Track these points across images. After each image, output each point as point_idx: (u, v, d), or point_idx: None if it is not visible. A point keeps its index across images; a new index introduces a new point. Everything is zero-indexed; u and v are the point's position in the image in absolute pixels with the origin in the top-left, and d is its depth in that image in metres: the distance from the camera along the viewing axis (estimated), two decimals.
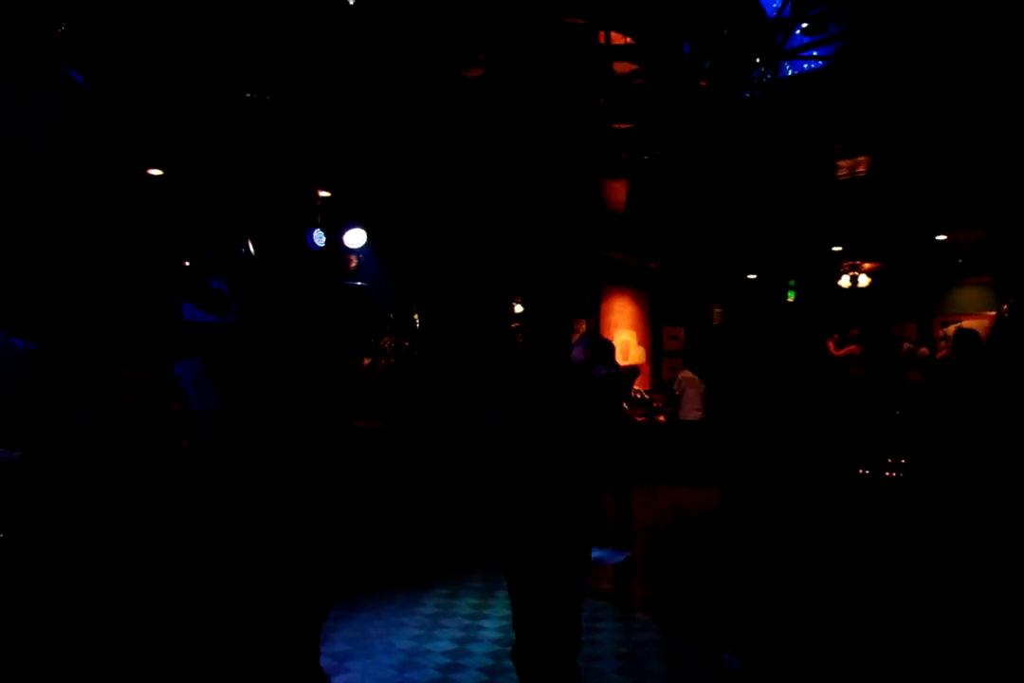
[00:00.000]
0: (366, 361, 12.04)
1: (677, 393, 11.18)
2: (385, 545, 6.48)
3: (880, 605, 5.23)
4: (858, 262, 12.84)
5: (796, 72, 7.00)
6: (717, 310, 13.93)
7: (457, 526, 7.15)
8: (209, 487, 5.99)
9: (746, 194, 9.32)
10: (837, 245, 12.08)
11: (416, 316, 10.71)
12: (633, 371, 8.78)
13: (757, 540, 3.72)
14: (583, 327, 12.24)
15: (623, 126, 8.30)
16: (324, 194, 9.10)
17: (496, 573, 6.05)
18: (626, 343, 12.97)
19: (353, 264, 10.57)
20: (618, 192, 9.61)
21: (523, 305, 11.92)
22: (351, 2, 6.64)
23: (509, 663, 4.22)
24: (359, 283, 7.85)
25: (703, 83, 6.61)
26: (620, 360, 12.86)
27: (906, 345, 10.72)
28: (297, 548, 3.90)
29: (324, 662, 4.02)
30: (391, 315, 10.17)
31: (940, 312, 13.43)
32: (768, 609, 4.11)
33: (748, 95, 6.91)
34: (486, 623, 4.99)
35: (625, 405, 11.76)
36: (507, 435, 3.97)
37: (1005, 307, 11.74)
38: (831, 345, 10.27)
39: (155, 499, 6.04)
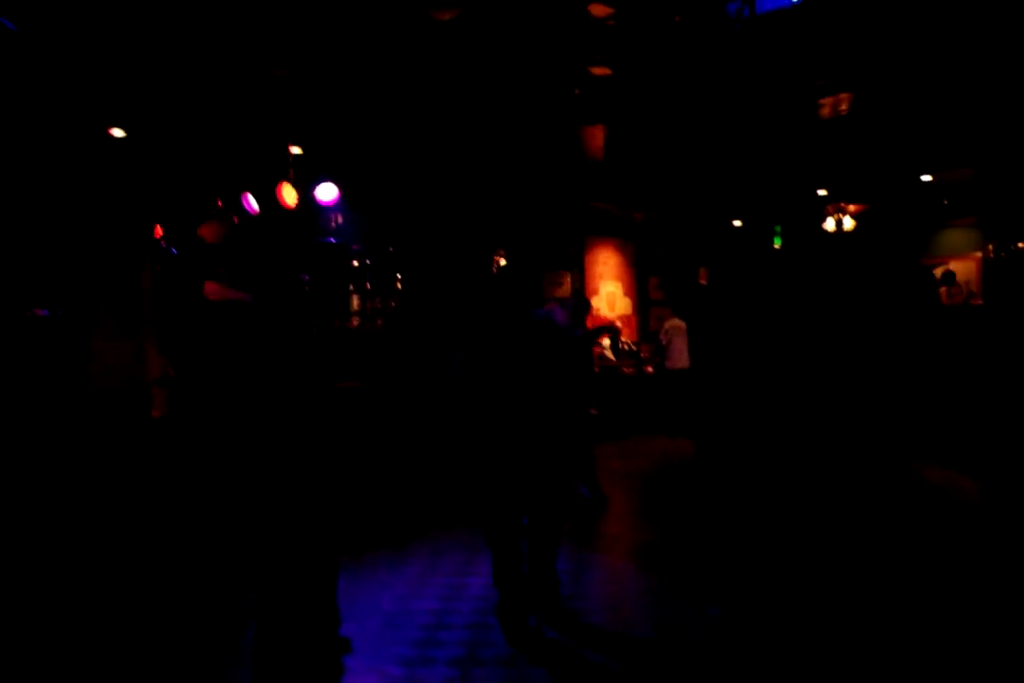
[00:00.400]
0: (354, 321, 11.91)
1: (664, 343, 11.08)
2: (366, 506, 6.43)
3: (860, 562, 5.20)
4: (843, 204, 12.67)
5: (774, 7, 6.76)
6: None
7: (439, 485, 7.11)
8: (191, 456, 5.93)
9: (727, 137, 9.11)
10: (822, 188, 11.90)
11: (398, 274, 10.54)
12: (603, 329, 8.86)
13: (730, 496, 3.67)
14: (567, 280, 12.11)
15: (600, 71, 8.06)
16: (296, 150, 8.88)
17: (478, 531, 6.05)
18: (612, 294, 12.85)
19: (338, 222, 10.38)
20: (596, 138, 9.39)
21: (506, 259, 11.75)
22: None
23: (493, 619, 4.21)
24: (332, 240, 7.68)
25: (677, 18, 6.37)
26: (607, 311, 12.78)
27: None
28: (299, 512, 3.82)
29: None
30: (368, 274, 10.00)
31: (927, 254, 13.32)
32: (744, 561, 4.06)
33: (725, 33, 6.68)
34: (471, 580, 4.95)
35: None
36: (472, 379, 4.05)
37: (991, 247, 11.67)
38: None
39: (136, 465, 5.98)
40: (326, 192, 7.83)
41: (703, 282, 12.40)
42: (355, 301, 12.38)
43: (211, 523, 5.35)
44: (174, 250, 7.17)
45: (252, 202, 7.73)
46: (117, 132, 7.51)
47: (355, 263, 11.83)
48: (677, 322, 10.75)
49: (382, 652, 3.90)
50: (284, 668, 3.52)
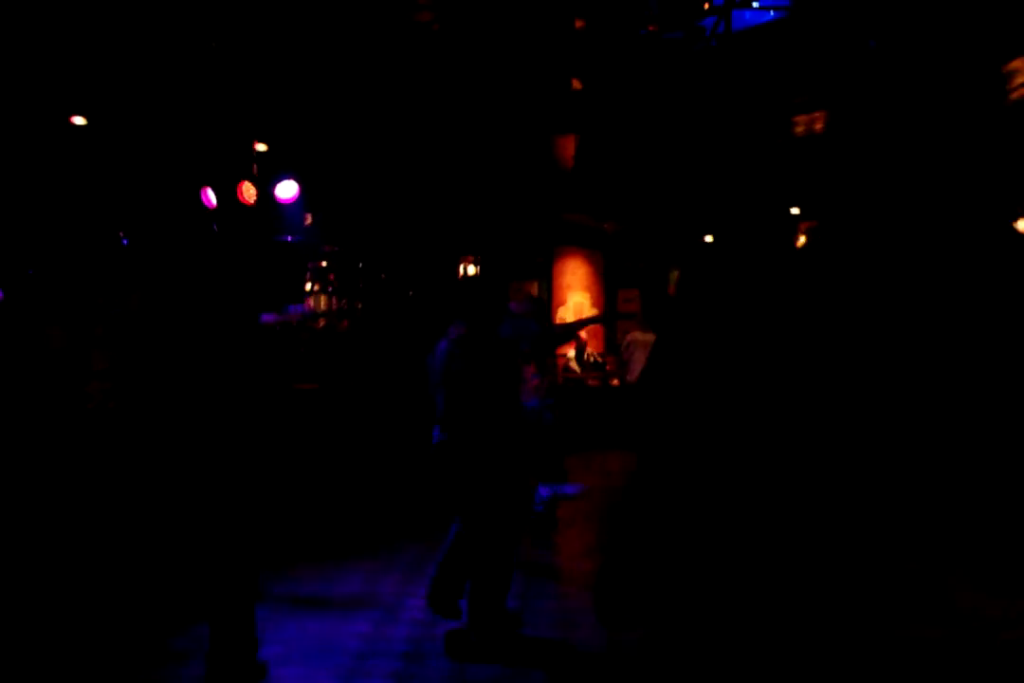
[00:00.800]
0: (321, 322, 11.68)
1: (625, 357, 10.91)
2: (306, 514, 6.22)
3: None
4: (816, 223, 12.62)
5: (751, 24, 6.66)
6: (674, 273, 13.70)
7: (388, 494, 6.91)
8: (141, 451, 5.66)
9: (700, 151, 9.02)
10: (794, 206, 11.85)
11: (360, 277, 10.37)
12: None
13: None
14: (535, 289, 11.99)
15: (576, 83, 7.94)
16: (261, 147, 8.67)
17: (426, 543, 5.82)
18: (580, 305, 12.71)
19: (309, 221, 10.16)
20: (568, 149, 9.27)
21: (474, 265, 11.60)
22: None
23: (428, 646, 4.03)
24: (290, 238, 7.48)
25: (652, 28, 6.25)
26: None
27: None
28: (224, 519, 3.61)
29: None
30: (332, 274, 9.83)
31: None
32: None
33: (700, 47, 6.57)
34: (410, 602, 4.76)
35: (577, 367, 11.59)
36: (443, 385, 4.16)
37: None
38: None
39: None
40: (286, 189, 7.62)
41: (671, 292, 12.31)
42: (322, 301, 12.16)
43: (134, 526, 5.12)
44: (125, 241, 6.95)
45: (211, 197, 7.51)
46: (79, 120, 7.28)
47: (323, 263, 11.64)
48: (638, 335, 10.59)
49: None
50: None
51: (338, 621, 4.43)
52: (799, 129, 8.56)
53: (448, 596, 4.16)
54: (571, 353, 11.44)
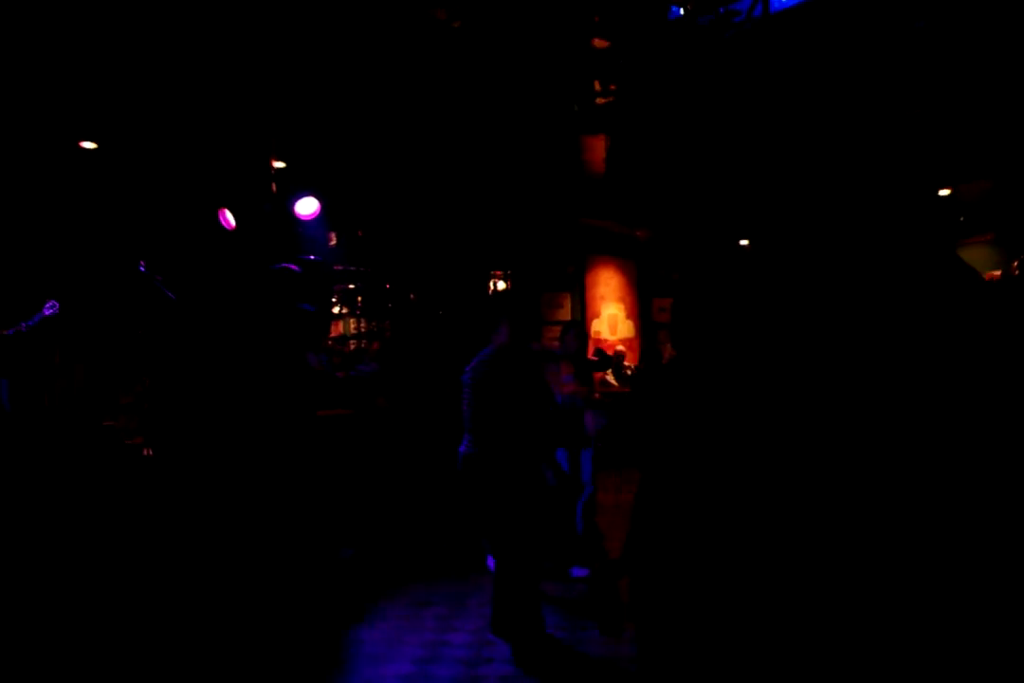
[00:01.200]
0: (352, 345, 11.42)
1: None
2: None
3: None
4: None
5: (786, 6, 6.28)
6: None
7: (424, 525, 6.53)
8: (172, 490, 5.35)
9: (736, 149, 8.63)
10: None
11: (388, 297, 10.09)
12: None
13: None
14: (567, 301, 11.63)
15: (600, 43, 7.58)
16: (279, 164, 8.43)
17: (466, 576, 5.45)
18: (614, 317, 12.33)
19: (333, 242, 9.91)
20: (597, 151, 8.90)
21: (503, 279, 11.29)
22: None
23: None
24: (312, 257, 7.20)
25: (686, 8, 5.88)
26: (608, 334, 12.26)
27: None
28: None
29: None
30: (360, 297, 9.55)
31: None
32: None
33: (734, 33, 6.21)
34: (453, 637, 4.38)
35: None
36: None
37: (1016, 264, 11.12)
38: None
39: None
40: (306, 206, 7.36)
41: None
42: (351, 324, 11.91)
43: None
44: (142, 268, 6.70)
45: (229, 218, 7.26)
46: (88, 144, 7.09)
47: (351, 286, 11.37)
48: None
49: None
50: None
51: (380, 661, 4.06)
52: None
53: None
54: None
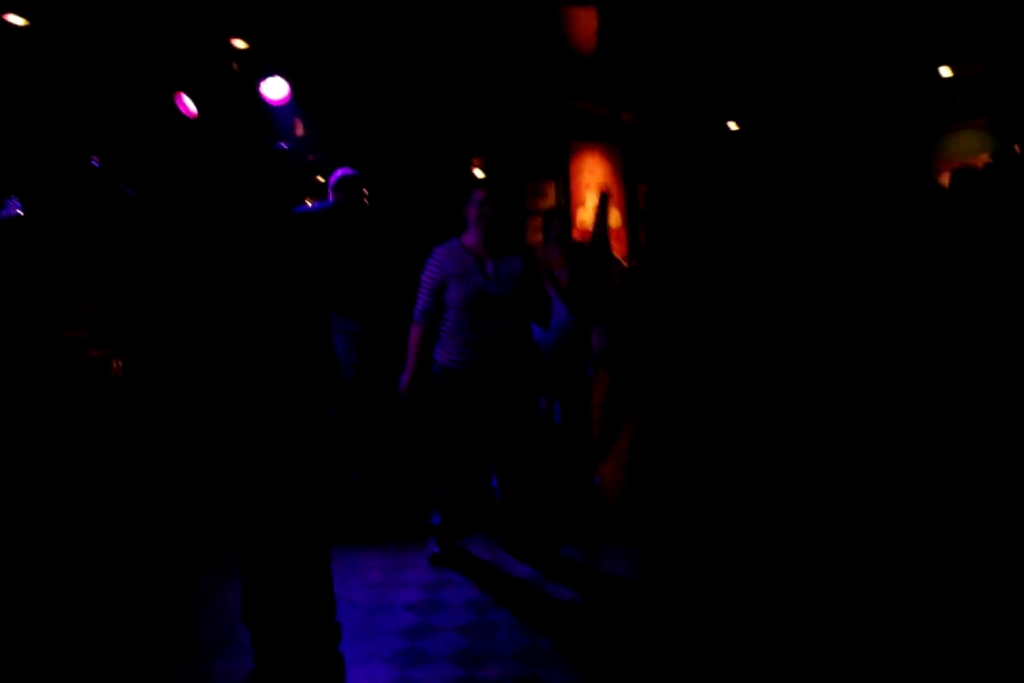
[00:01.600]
0: None
1: None
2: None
3: None
4: None
5: None
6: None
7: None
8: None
9: (732, 23, 7.99)
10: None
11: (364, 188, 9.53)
12: None
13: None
14: (551, 189, 11.11)
15: None
16: (240, 45, 7.68)
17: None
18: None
19: (299, 131, 9.22)
20: (586, 25, 8.14)
21: (483, 169, 10.71)
22: None
23: None
24: (284, 145, 6.61)
25: None
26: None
27: None
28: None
29: None
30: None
31: (940, 157, 12.37)
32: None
33: None
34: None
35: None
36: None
37: (1016, 146, 10.75)
38: None
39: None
40: (274, 88, 6.71)
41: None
42: None
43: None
44: (95, 163, 6.11)
45: (188, 104, 6.62)
46: (16, 19, 6.34)
47: (319, 178, 10.71)
48: None
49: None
50: (284, 657, 3.08)
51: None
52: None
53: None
54: None
